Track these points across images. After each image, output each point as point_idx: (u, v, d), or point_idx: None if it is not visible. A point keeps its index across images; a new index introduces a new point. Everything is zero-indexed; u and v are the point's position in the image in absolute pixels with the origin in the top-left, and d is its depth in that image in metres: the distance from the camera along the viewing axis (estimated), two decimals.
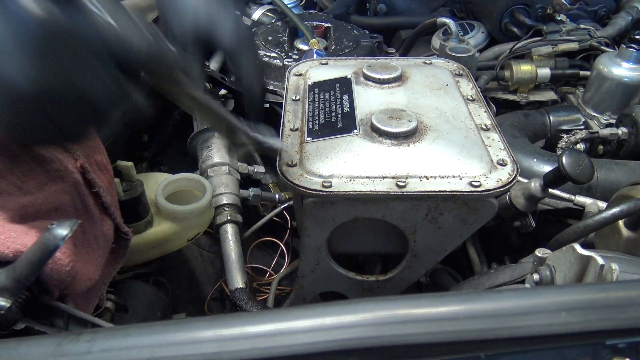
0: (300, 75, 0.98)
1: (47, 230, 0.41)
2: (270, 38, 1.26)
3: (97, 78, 0.44)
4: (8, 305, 0.43)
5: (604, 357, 0.34)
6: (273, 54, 1.19)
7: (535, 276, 0.55)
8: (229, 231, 0.89)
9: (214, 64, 1.27)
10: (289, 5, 1.52)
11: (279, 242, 1.04)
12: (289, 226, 1.06)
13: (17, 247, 0.45)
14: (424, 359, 0.34)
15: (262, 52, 1.20)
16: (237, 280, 0.83)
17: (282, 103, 0.90)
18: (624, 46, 1.09)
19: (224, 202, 0.92)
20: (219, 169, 0.98)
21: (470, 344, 0.35)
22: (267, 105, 1.13)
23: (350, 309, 0.37)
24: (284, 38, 1.26)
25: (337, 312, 0.37)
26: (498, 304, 0.36)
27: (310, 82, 0.95)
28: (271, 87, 1.14)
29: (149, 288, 0.79)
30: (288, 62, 1.17)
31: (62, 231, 0.41)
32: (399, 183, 0.71)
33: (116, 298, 0.71)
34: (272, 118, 1.10)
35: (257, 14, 1.59)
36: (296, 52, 1.21)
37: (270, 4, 1.65)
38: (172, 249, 0.84)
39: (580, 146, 1.05)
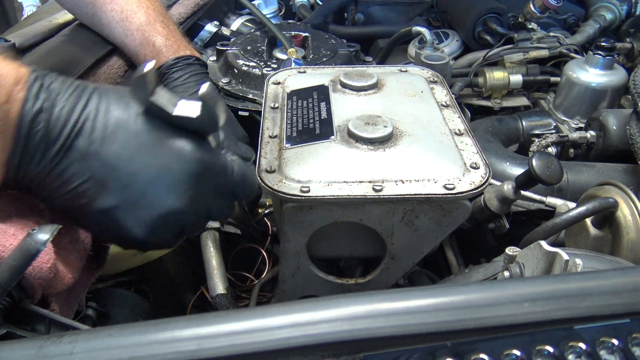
0: (279, 83, 1.00)
1: (29, 236, 0.42)
2: (249, 47, 1.27)
3: (220, 203, 0.63)
4: None
5: (564, 344, 0.36)
6: (252, 63, 1.20)
7: (506, 273, 0.57)
8: (210, 238, 0.90)
9: None
10: (267, 15, 1.54)
11: (259, 248, 1.05)
12: (270, 232, 1.07)
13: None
14: (394, 349, 0.36)
15: (241, 62, 1.21)
16: (218, 286, 0.84)
17: (261, 111, 0.91)
18: (591, 53, 1.13)
19: None
20: None
21: (438, 334, 0.36)
22: (247, 113, 1.14)
23: (323, 305, 0.39)
24: (262, 47, 1.28)
25: (311, 309, 0.38)
26: (465, 297, 0.37)
27: (288, 90, 0.96)
28: (250, 96, 1.16)
29: (130, 295, 0.80)
30: (267, 71, 1.18)
31: (43, 236, 0.42)
32: (375, 187, 0.73)
33: (97, 305, 0.72)
34: (252, 126, 1.12)
35: (236, 24, 1.61)
36: (275, 61, 1.23)
37: (249, 14, 1.67)
38: (154, 256, 0.85)
39: (552, 149, 1.09)
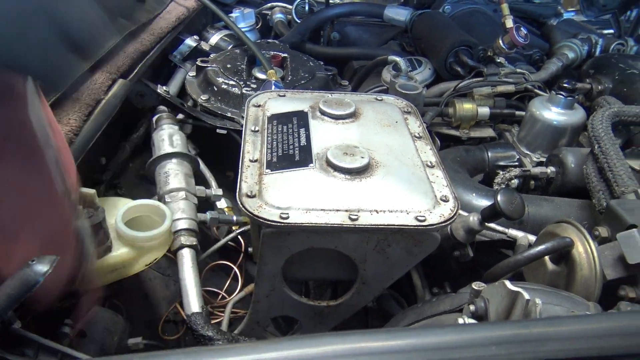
0: (259, 106, 1.02)
1: (28, 267, 0.44)
2: (229, 66, 1.30)
3: None
4: None
5: None
6: (232, 82, 1.23)
7: (472, 307, 0.62)
8: (186, 256, 0.91)
9: (172, 88, 1.29)
10: (244, 29, 1.56)
11: (232, 265, 1.07)
12: (243, 250, 1.09)
13: None
14: None
15: (220, 80, 1.23)
16: (194, 304, 0.85)
17: (239, 130, 0.94)
18: (554, 93, 1.21)
19: (182, 227, 0.94)
20: (176, 195, 1.00)
21: None
22: (225, 131, 1.16)
23: (308, 343, 0.42)
24: (242, 66, 1.30)
25: (299, 346, 0.41)
26: (440, 339, 0.41)
27: (269, 114, 0.99)
28: (229, 114, 1.18)
29: (105, 312, 0.80)
30: (246, 90, 1.21)
31: (43, 268, 0.43)
32: (351, 216, 0.77)
33: (74, 323, 0.72)
34: (229, 144, 1.15)
35: (214, 38, 1.62)
36: (254, 80, 1.26)
37: (226, 28, 1.69)
38: (130, 273, 0.85)
39: (514, 182, 1.15)
